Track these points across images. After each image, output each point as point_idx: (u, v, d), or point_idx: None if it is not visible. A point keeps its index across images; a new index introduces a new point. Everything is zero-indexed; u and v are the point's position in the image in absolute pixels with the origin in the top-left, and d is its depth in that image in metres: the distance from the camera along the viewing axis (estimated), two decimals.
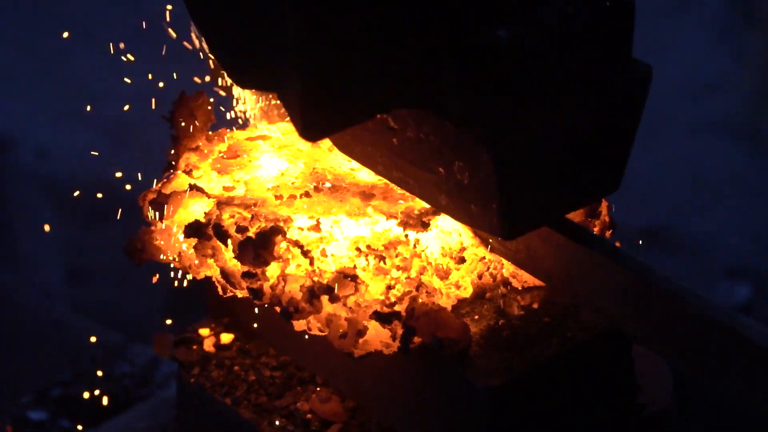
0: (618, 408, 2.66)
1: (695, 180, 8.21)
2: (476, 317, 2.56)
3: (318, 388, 2.70)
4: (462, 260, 2.60)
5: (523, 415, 2.52)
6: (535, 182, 2.40)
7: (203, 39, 2.47)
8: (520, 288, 2.62)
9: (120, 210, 2.86)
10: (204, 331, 2.82)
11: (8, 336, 3.55)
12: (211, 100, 2.86)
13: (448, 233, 2.62)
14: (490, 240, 2.59)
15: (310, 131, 2.29)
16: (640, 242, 7.60)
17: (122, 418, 3.20)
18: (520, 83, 2.31)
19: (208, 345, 2.80)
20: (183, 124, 2.82)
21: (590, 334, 2.55)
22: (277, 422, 2.65)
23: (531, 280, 2.63)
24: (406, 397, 2.60)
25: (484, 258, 2.62)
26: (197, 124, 2.82)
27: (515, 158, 2.34)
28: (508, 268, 2.63)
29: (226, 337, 2.82)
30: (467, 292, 2.59)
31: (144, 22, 2.83)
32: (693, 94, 8.89)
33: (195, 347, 2.80)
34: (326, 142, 2.77)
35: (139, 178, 2.84)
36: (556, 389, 2.55)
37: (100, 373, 3.53)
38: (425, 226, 2.58)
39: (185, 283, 2.79)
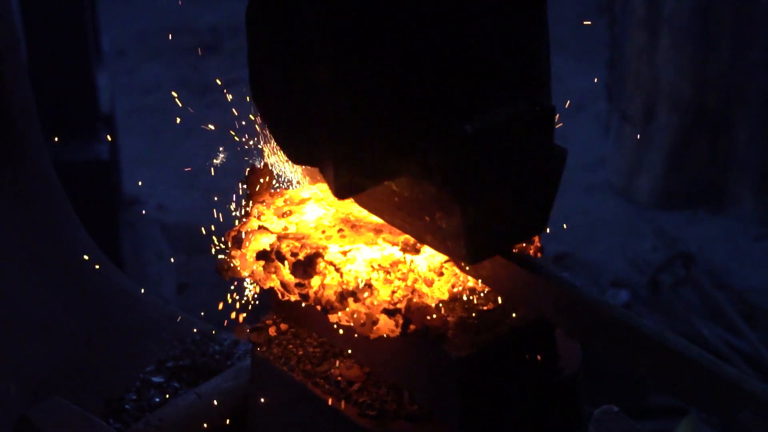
0: (544, 371, 2.61)
1: (589, 222, 8.19)
2: (451, 312, 2.53)
3: (344, 359, 2.67)
4: (441, 274, 2.58)
5: (483, 377, 2.49)
6: (491, 225, 2.41)
7: (268, 129, 2.48)
8: (482, 293, 2.60)
9: (212, 245, 2.84)
10: (269, 322, 2.79)
11: (138, 326, 3.53)
12: (272, 169, 2.85)
13: (432, 256, 2.60)
14: (462, 264, 2.57)
15: (340, 193, 2.34)
16: (553, 264, 7.63)
17: (213, 380, 3.18)
18: (480, 160, 2.32)
19: (272, 331, 2.78)
20: (254, 185, 2.80)
21: (527, 322, 2.53)
22: (317, 381, 2.62)
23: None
24: (405, 365, 2.57)
25: (456, 273, 2.59)
26: (263, 185, 2.81)
27: (477, 210, 2.36)
28: (472, 281, 2.60)
29: (283, 326, 2.78)
30: (445, 296, 2.56)
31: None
32: (587, 166, 8.87)
33: (263, 332, 2.76)
34: (348, 205, 2.78)
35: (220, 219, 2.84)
36: (505, 359, 2.52)
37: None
38: (417, 251, 2.57)
39: (254, 292, 2.79)
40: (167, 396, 3.32)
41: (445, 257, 2.59)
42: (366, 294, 2.49)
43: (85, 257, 3.62)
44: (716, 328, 7.19)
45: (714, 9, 8.28)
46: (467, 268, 2.56)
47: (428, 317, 2.47)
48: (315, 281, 2.54)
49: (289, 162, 2.81)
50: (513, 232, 2.49)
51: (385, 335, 2.50)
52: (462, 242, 2.40)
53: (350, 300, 2.49)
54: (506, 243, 2.51)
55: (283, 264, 2.57)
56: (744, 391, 2.14)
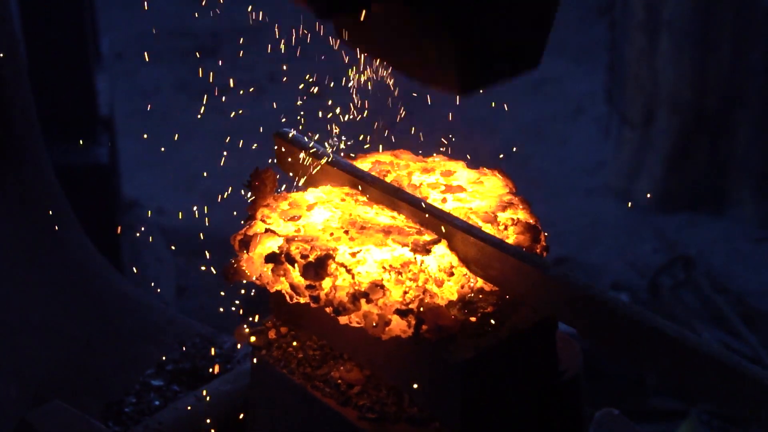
0: (545, 374, 2.61)
1: (589, 225, 8.20)
2: (458, 314, 2.53)
3: (345, 362, 2.67)
4: (452, 274, 2.58)
5: (484, 379, 2.49)
6: (481, 54, 2.26)
7: None
8: (489, 292, 2.60)
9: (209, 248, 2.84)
10: (268, 325, 2.79)
11: (138, 329, 3.54)
12: (276, 172, 2.85)
13: (442, 256, 2.59)
14: (471, 266, 2.58)
15: (321, 12, 2.14)
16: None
17: (213, 383, 3.19)
18: None
19: (272, 334, 2.77)
20: (258, 188, 2.80)
21: (528, 324, 2.52)
22: (317, 384, 2.62)
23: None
24: (406, 369, 2.56)
25: (465, 274, 2.59)
26: (267, 188, 2.81)
27: (466, 35, 2.20)
28: (481, 282, 2.60)
29: (283, 329, 2.78)
30: (454, 296, 2.56)
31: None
32: (587, 169, 8.87)
33: (263, 335, 2.76)
34: (353, 207, 2.79)
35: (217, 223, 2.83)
36: (507, 361, 2.51)
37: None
38: (428, 252, 2.56)
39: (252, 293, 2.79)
40: (167, 399, 3.32)
41: (455, 257, 2.60)
42: (378, 295, 2.49)
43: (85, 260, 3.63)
44: (716, 331, 7.19)
45: (714, 11, 8.29)
46: (477, 269, 2.55)
47: (440, 317, 2.47)
48: (326, 283, 2.53)
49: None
50: (506, 64, 2.34)
51: (397, 335, 2.49)
52: (452, 71, 2.26)
53: (362, 301, 2.49)
54: (498, 76, 2.36)
55: (293, 266, 2.57)
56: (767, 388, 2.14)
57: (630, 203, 8.67)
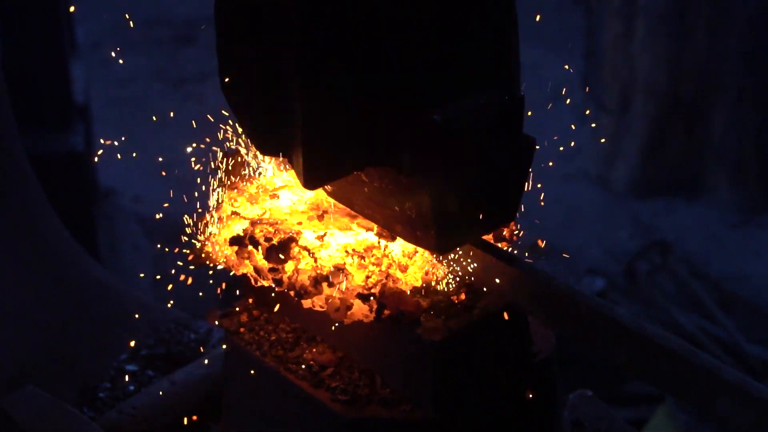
0: (518, 355, 2.62)
1: (565, 211, 8.21)
2: (425, 297, 2.53)
3: (317, 344, 2.67)
4: (415, 253, 2.58)
5: (457, 361, 2.49)
6: (459, 215, 2.41)
7: (238, 121, 2.48)
8: (455, 278, 2.59)
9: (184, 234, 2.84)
10: (241, 308, 2.79)
11: (113, 315, 3.53)
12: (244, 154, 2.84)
13: (407, 242, 2.58)
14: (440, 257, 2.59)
15: (309, 184, 2.37)
16: (527, 253, 7.63)
17: (187, 368, 3.19)
18: (448, 149, 2.32)
19: (244, 317, 2.77)
20: (226, 172, 2.80)
21: (500, 305, 2.53)
22: (290, 367, 2.62)
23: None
24: (378, 351, 2.57)
25: (429, 259, 2.58)
26: (236, 171, 2.81)
27: (445, 199, 2.36)
28: (443, 268, 2.60)
29: (256, 312, 2.78)
30: (419, 282, 2.56)
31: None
32: (564, 155, 8.86)
33: (235, 318, 2.76)
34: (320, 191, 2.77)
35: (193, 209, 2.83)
36: (478, 343, 2.52)
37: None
38: (393, 238, 2.56)
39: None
40: (142, 384, 3.32)
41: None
42: (340, 279, 2.49)
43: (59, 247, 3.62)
44: (693, 315, 7.22)
45: None
46: (441, 257, 2.56)
47: (402, 302, 2.47)
48: (289, 266, 2.53)
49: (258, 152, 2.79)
50: (482, 222, 2.49)
51: (359, 320, 2.49)
52: (431, 232, 2.40)
53: (324, 285, 2.49)
54: (476, 232, 2.51)
55: (257, 249, 2.57)
56: (721, 380, 2.14)
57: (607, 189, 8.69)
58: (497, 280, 2.48)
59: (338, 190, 2.58)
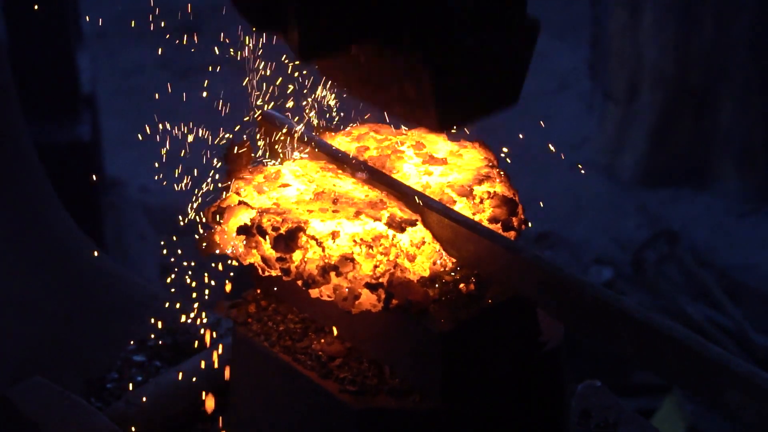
0: (526, 345, 2.61)
1: (572, 200, 8.20)
2: (433, 287, 2.52)
3: (326, 334, 2.66)
4: (423, 243, 2.56)
5: (465, 351, 2.48)
6: (460, 92, 2.33)
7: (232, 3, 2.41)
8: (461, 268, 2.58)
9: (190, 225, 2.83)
10: (249, 298, 2.78)
11: (119, 305, 3.53)
12: (252, 145, 2.84)
13: (415, 232, 2.58)
14: (446, 246, 2.57)
15: (305, 55, 2.25)
16: (536, 242, 7.62)
17: (195, 357, 3.18)
18: (450, 22, 2.25)
19: (252, 308, 2.76)
20: (233, 161, 2.79)
21: (508, 295, 2.52)
22: (298, 357, 2.61)
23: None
24: (386, 340, 2.55)
25: (438, 249, 2.58)
26: (243, 160, 2.80)
27: (446, 75, 2.29)
28: (451, 259, 2.58)
29: (264, 302, 2.78)
30: (426, 272, 2.55)
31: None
32: (571, 144, 8.87)
33: (243, 309, 2.75)
34: (328, 180, 2.77)
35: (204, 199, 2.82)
36: (486, 333, 2.51)
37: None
38: (402, 230, 2.54)
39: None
40: (149, 375, 3.32)
41: (428, 233, 2.59)
42: (348, 268, 2.48)
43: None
44: (700, 305, 7.21)
45: None
46: (450, 249, 2.55)
47: (411, 291, 2.46)
48: (296, 256, 2.52)
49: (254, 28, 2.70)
50: (483, 102, 2.41)
51: (367, 310, 2.48)
52: (431, 109, 2.32)
53: (332, 274, 2.48)
54: (476, 113, 2.43)
55: (264, 239, 2.55)
56: (730, 372, 2.12)
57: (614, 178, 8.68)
58: (504, 271, 2.46)
59: (334, 70, 2.50)
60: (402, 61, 2.29)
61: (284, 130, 2.87)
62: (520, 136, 3.21)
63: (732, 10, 8.22)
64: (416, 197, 2.63)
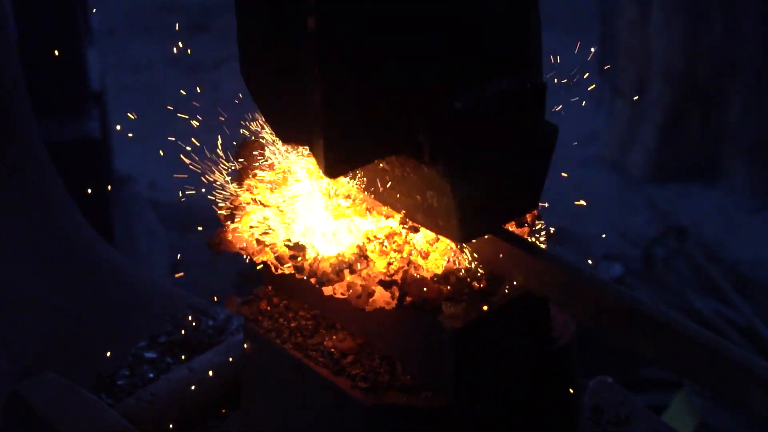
0: (538, 341, 2.60)
1: (582, 196, 8.19)
2: (446, 284, 2.50)
3: (337, 331, 2.66)
4: (437, 240, 2.56)
5: (477, 348, 2.48)
6: (482, 203, 2.39)
7: (258, 110, 2.47)
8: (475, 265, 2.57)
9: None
10: (260, 295, 2.78)
11: (130, 302, 3.53)
12: (263, 143, 2.83)
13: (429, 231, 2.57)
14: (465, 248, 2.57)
15: (330, 173, 2.31)
16: (546, 238, 7.61)
17: (206, 354, 3.18)
18: (470, 137, 2.30)
19: (264, 304, 2.75)
20: (245, 159, 2.78)
21: (520, 291, 2.51)
22: (310, 354, 2.60)
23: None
24: (398, 337, 2.55)
25: (451, 246, 2.56)
26: (255, 158, 2.79)
27: (467, 187, 2.34)
28: (465, 256, 2.57)
29: (275, 299, 2.77)
30: (440, 270, 2.54)
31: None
32: (580, 141, 8.86)
33: (254, 305, 2.75)
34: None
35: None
36: (498, 330, 2.50)
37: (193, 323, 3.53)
38: (416, 230, 2.54)
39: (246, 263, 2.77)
40: (160, 371, 3.31)
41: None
42: (362, 266, 2.47)
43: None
44: (710, 300, 7.19)
45: None
46: (467, 249, 2.54)
47: (424, 289, 2.46)
48: (310, 253, 2.52)
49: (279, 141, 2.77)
50: (504, 211, 2.47)
51: (380, 307, 2.48)
52: (453, 221, 2.38)
53: (346, 272, 2.47)
54: (498, 221, 2.49)
55: (278, 236, 2.55)
56: (753, 373, 2.12)
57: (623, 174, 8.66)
58: (524, 273, 2.45)
59: (361, 178, 2.56)
60: (425, 173, 2.36)
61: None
62: None
63: (741, 5, 8.20)
64: None
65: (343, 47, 2.21)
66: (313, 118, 2.26)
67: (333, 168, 2.32)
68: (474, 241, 2.51)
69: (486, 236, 2.51)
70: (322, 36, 2.18)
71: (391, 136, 2.33)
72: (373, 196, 2.57)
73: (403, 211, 2.52)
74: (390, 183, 2.47)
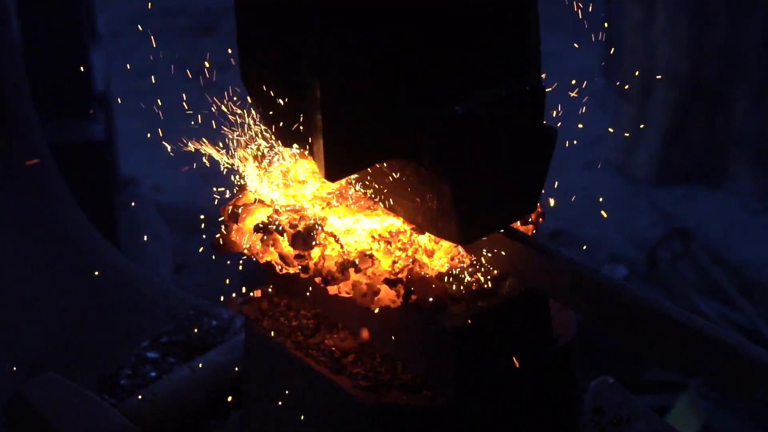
0: (539, 341, 2.60)
1: (586, 198, 8.17)
2: (449, 283, 2.52)
3: (338, 330, 2.66)
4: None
5: (478, 346, 2.48)
6: (482, 205, 2.41)
7: (258, 113, 2.47)
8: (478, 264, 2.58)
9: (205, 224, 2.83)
10: (261, 295, 2.79)
11: (133, 303, 3.53)
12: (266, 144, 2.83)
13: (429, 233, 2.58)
14: (477, 249, 2.57)
15: (331, 176, 2.34)
16: (550, 240, 7.61)
17: (209, 354, 3.19)
18: (469, 140, 2.31)
19: (264, 304, 2.76)
20: (248, 160, 2.79)
21: (519, 291, 2.52)
22: (311, 353, 2.61)
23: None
24: (399, 336, 2.56)
25: (455, 245, 2.57)
26: (258, 159, 2.79)
27: (466, 190, 2.35)
28: (469, 255, 2.59)
29: (276, 299, 2.77)
30: (444, 268, 2.55)
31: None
32: (584, 143, 8.85)
33: (255, 305, 2.75)
34: None
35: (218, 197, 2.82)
36: (499, 329, 2.51)
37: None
38: (422, 231, 2.55)
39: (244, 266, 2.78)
40: (162, 371, 3.32)
41: None
42: (367, 264, 2.48)
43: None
44: (714, 302, 7.19)
45: None
46: (482, 253, 2.55)
47: (430, 287, 2.46)
48: (315, 253, 2.52)
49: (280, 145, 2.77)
50: (504, 213, 2.48)
51: (386, 305, 2.48)
52: (453, 223, 2.40)
53: (351, 270, 2.48)
54: (497, 223, 2.50)
55: (282, 236, 2.55)
56: None
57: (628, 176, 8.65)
58: (537, 274, 2.46)
59: (362, 180, 2.57)
60: (424, 176, 2.38)
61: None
62: None
63: (746, 7, 8.19)
64: None
65: (342, 52, 2.22)
66: (312, 121, 2.27)
67: (333, 171, 2.33)
68: (485, 239, 2.51)
69: (500, 236, 2.52)
70: (322, 40, 2.19)
71: (390, 139, 2.34)
72: (374, 197, 2.57)
73: (403, 214, 2.52)
74: (390, 185, 2.47)
